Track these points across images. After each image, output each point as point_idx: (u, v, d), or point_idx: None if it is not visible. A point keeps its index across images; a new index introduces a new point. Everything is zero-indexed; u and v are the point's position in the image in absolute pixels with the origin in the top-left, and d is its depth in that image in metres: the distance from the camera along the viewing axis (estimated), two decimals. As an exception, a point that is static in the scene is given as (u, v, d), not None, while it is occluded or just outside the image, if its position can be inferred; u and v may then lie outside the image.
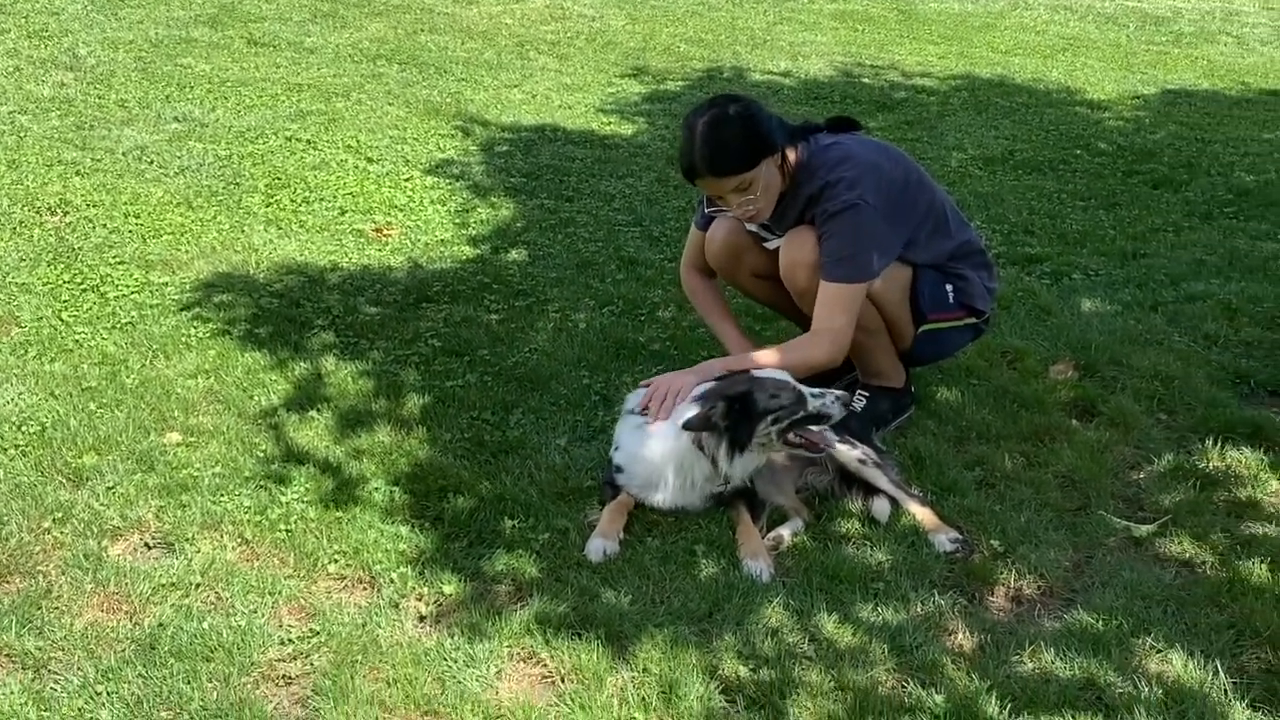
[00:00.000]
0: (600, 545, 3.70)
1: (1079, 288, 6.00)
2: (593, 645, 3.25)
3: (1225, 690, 3.17)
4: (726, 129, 4.07)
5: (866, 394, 4.55)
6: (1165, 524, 3.93)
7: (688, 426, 3.81)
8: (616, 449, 4.00)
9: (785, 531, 3.88)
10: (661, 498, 3.91)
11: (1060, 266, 6.27)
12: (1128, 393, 4.81)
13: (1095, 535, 3.90)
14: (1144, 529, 3.92)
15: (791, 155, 4.21)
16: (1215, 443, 4.40)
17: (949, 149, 8.57)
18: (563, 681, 3.17)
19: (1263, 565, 3.70)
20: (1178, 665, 3.26)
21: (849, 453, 4.07)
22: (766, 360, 4.10)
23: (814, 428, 3.94)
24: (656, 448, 3.88)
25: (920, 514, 3.93)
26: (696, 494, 3.93)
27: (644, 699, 3.09)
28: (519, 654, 3.27)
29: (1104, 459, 4.32)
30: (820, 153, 4.23)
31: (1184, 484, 4.18)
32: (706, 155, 4.08)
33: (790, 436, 3.94)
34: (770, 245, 4.45)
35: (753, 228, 4.43)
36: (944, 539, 3.81)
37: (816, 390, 3.94)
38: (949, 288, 4.45)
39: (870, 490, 4.02)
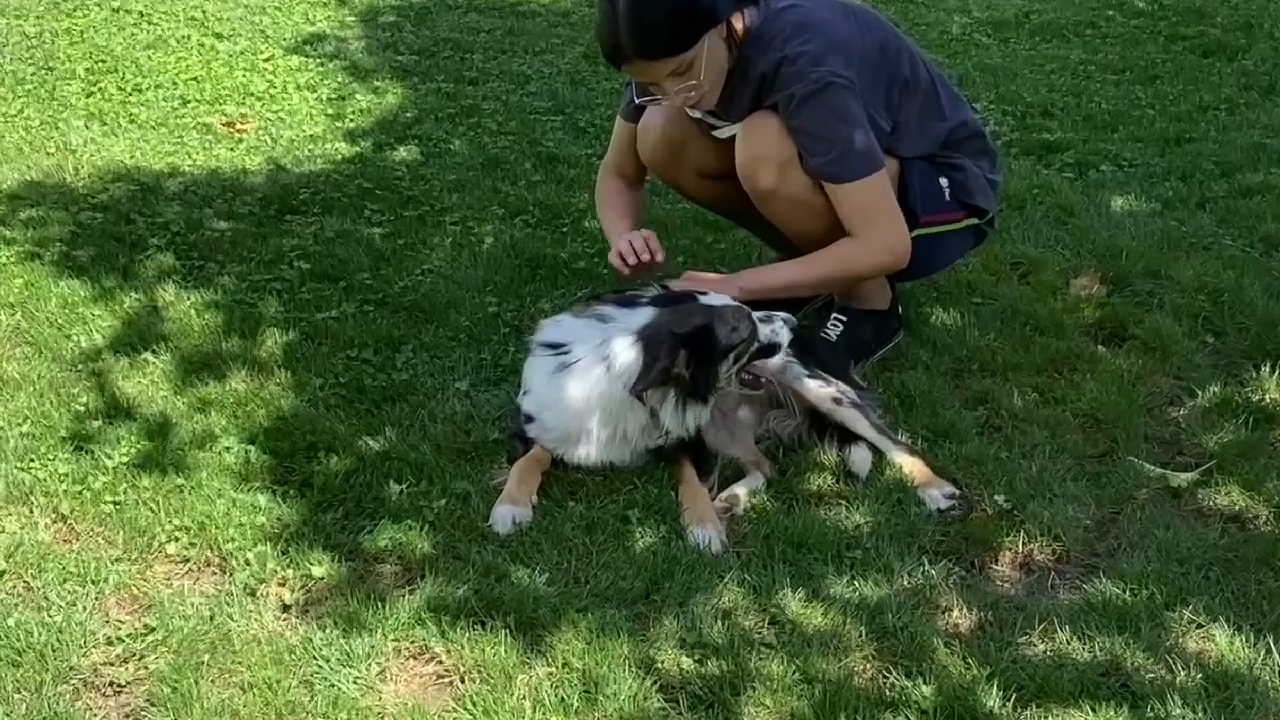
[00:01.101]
0: (508, 513, 3.70)
1: (1108, 182, 6.04)
2: (499, 636, 3.26)
3: (1278, 672, 3.23)
4: None
5: (843, 319, 4.57)
6: (1209, 471, 3.99)
7: (639, 389, 3.76)
8: (526, 393, 4.00)
9: (741, 490, 3.90)
10: (585, 452, 3.92)
11: (1086, 156, 6.31)
12: (1166, 310, 4.86)
13: (1123, 486, 3.94)
14: (1183, 477, 3.97)
15: (739, 24, 4.18)
16: (1272, 370, 4.45)
17: (950, 11, 8.59)
18: (462, 681, 3.18)
19: (1329, 519, 3.76)
20: (1221, 643, 3.31)
21: (820, 390, 4.09)
22: (811, 273, 4.27)
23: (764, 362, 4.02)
24: (577, 392, 3.87)
25: (908, 465, 3.96)
26: (629, 448, 3.94)
27: (563, 699, 3.10)
28: (408, 649, 3.28)
29: (1135, 392, 4.37)
30: (774, 18, 4.20)
31: (1233, 421, 4.23)
32: (634, 33, 4.03)
33: (741, 374, 3.98)
34: (722, 134, 4.44)
35: (697, 114, 4.42)
36: (937, 494, 3.85)
37: (762, 314, 3.98)
38: (944, 182, 4.47)
39: (847, 437, 4.05)
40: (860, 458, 4.00)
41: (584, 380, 3.86)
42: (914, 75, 4.37)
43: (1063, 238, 5.43)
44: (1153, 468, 4.02)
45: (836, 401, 4.07)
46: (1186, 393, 4.42)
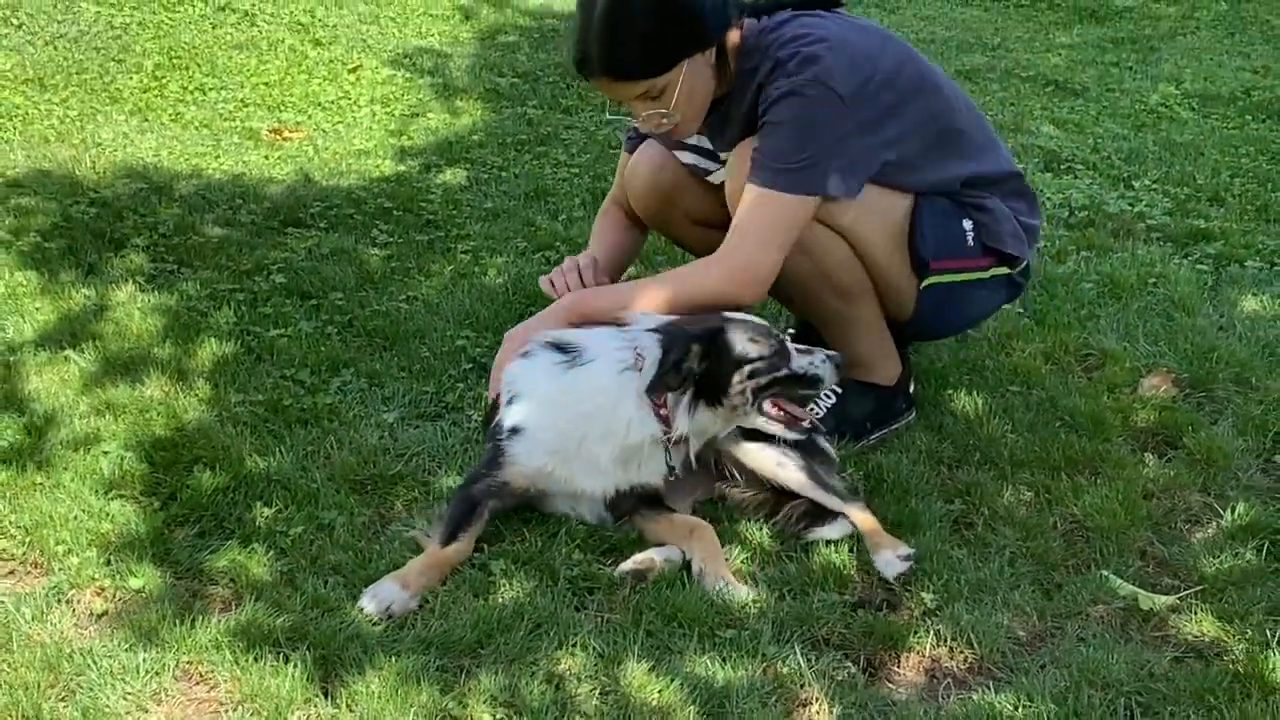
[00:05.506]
0: (390, 595, 3.78)
1: (1246, 280, 6.00)
2: (290, 670, 3.48)
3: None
4: (638, 10, 4.18)
5: (837, 390, 4.63)
6: (1190, 596, 3.99)
7: (655, 389, 4.02)
8: (512, 401, 4.14)
9: (658, 558, 4.05)
10: (572, 477, 4.09)
11: (1233, 249, 6.30)
12: (1230, 422, 4.83)
13: (1079, 601, 3.96)
14: (1158, 600, 3.96)
15: (734, 36, 4.34)
16: (1325, 505, 4.41)
17: (1157, 80, 8.60)
18: (233, 711, 3.40)
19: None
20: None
21: (760, 453, 4.25)
22: (645, 297, 4.30)
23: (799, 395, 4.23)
24: (587, 392, 4.06)
25: (860, 520, 4.13)
26: (625, 474, 4.13)
27: (326, 742, 3.31)
28: (194, 673, 3.51)
29: (1143, 506, 4.37)
30: (774, 28, 4.34)
31: (1246, 546, 4.20)
32: (604, 47, 4.21)
33: (767, 405, 4.17)
34: (715, 178, 4.63)
35: (689, 159, 4.62)
36: (893, 557, 4.01)
37: (803, 345, 4.19)
38: (968, 224, 4.53)
39: (814, 513, 4.21)
40: (834, 532, 4.19)
41: (596, 379, 4.08)
42: (928, 107, 4.45)
43: (1154, 333, 5.42)
44: (1124, 585, 4.02)
45: (781, 466, 4.23)
46: (1213, 514, 4.40)
